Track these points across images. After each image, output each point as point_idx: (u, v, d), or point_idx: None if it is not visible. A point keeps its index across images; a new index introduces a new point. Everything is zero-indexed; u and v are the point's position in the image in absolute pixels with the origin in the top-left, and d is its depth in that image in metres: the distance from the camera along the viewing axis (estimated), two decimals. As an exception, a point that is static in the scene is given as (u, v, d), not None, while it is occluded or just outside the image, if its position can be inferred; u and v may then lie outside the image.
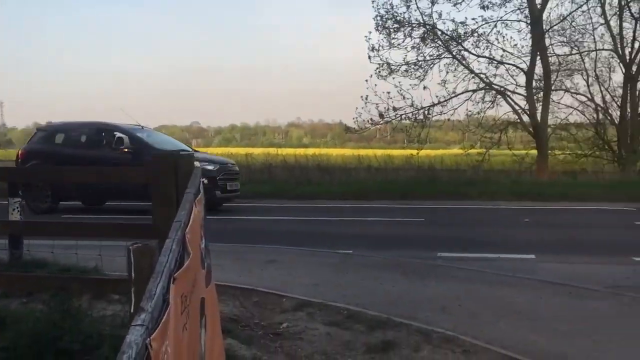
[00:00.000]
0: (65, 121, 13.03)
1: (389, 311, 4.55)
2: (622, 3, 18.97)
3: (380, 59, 19.10)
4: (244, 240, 8.12)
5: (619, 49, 19.43)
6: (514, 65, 19.34)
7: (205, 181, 12.14)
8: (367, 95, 19.09)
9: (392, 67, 19.07)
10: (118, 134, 11.82)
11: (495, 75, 19.48)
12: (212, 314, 2.32)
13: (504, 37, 19.11)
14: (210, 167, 11.33)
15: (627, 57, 19.31)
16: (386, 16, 18.94)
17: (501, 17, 19.02)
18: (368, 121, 19.85)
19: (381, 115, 19.57)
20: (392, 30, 18.99)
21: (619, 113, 20.07)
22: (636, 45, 19.14)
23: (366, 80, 18.82)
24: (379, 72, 19.10)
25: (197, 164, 13.06)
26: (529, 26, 18.78)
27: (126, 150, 11.46)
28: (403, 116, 19.80)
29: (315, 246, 7.67)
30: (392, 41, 19.03)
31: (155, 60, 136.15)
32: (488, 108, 19.96)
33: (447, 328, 4.13)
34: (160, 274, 1.44)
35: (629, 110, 19.47)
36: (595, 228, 9.47)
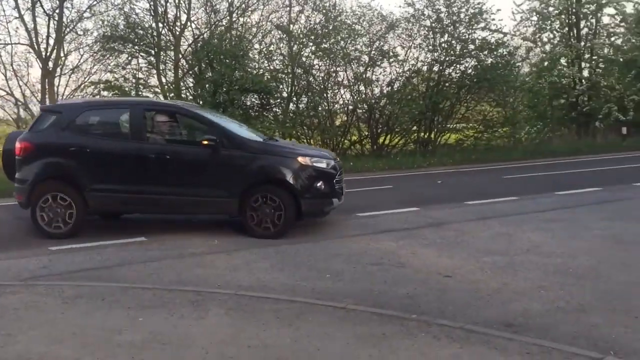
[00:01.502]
0: (88, 99, 7.98)
1: None
2: (35, -1, 19.44)
3: None
4: None
5: (35, 44, 19.86)
6: None
7: (322, 186, 7.81)
8: None
9: None
10: (186, 120, 8.51)
11: None
12: None
13: None
14: (322, 165, 8.09)
15: (44, 53, 19.93)
16: None
17: None
18: None
19: None
20: None
21: (39, 108, 20.57)
22: (51, 41, 19.98)
23: None
24: None
25: (305, 160, 7.92)
26: None
27: (205, 142, 7.89)
28: None
29: None
30: None
31: None
32: None
33: None
34: None
35: (48, 104, 20.20)
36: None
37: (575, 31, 23.38)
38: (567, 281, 5.68)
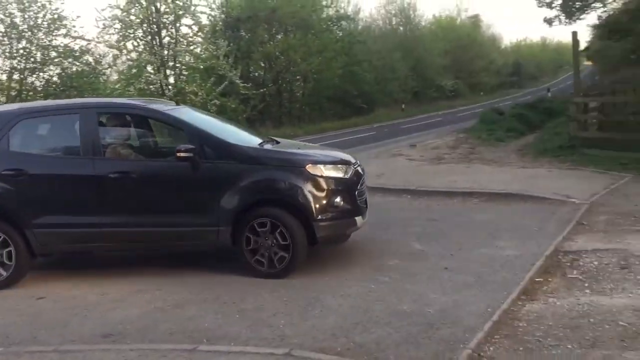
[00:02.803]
0: (24, 104, 7.16)
1: None
2: None
3: None
4: None
5: None
6: None
7: (342, 202, 5.93)
8: None
9: None
10: (154, 123, 6.80)
11: None
12: None
13: None
14: (339, 174, 6.05)
15: None
16: None
17: None
18: None
19: None
20: None
21: None
22: None
23: None
24: None
25: (316, 169, 5.96)
26: None
27: (182, 154, 5.56)
28: None
29: None
30: None
31: None
32: None
33: None
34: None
35: None
36: None
37: (158, 39, 24.37)
38: (167, 281, 5.92)
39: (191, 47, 25.45)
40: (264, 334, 4.46)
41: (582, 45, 17.92)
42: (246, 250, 5.85)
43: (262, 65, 30.90)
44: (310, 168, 5.91)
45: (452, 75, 47.65)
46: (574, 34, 13.80)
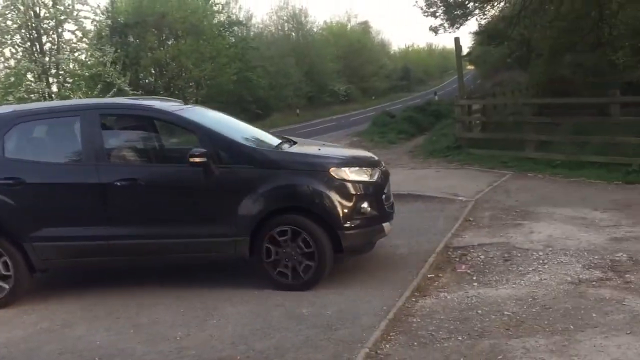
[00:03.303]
0: (19, 106, 6.90)
1: None
2: None
3: None
4: None
5: None
6: None
7: (368, 207, 5.50)
8: None
9: None
10: (163, 125, 6.21)
11: None
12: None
13: None
14: (365, 177, 5.62)
15: None
16: None
17: None
18: None
19: None
20: None
21: None
22: None
23: None
24: None
25: (340, 172, 5.50)
26: None
27: (196, 159, 5.18)
28: None
29: None
30: None
31: None
32: None
33: None
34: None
35: None
36: None
37: (38, 46, 23.09)
38: (56, 298, 5.62)
39: (75, 54, 24.34)
40: (160, 348, 4.34)
41: (465, 50, 18.88)
42: (267, 262, 5.45)
43: (153, 71, 30.07)
44: (334, 171, 5.49)
45: (344, 80, 48.59)
46: (457, 40, 14.54)
